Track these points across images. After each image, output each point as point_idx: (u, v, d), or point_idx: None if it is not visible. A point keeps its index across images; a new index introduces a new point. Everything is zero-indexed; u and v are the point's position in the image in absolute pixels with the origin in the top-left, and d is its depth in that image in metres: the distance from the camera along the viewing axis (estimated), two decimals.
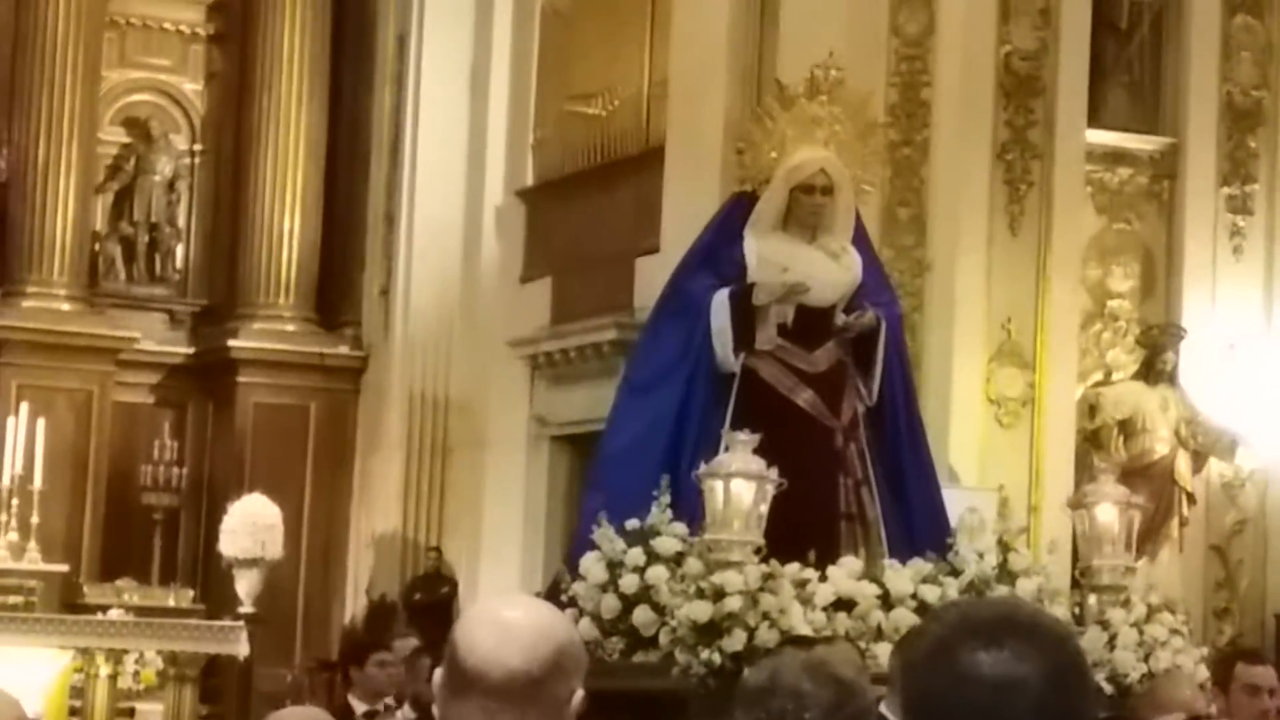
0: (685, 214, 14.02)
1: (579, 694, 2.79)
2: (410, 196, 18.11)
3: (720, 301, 8.97)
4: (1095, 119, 12.61)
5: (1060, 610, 8.73)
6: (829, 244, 9.14)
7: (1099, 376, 12.63)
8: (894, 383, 9.27)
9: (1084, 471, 12.32)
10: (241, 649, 13.98)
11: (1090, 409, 12.47)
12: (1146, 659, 8.83)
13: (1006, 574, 8.79)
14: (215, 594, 17.02)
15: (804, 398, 8.97)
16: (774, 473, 8.20)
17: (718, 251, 9.19)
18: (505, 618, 2.80)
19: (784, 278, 8.94)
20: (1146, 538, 12.02)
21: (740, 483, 8.20)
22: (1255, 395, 12.54)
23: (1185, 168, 12.77)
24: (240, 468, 18.10)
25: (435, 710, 2.82)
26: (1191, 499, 12.62)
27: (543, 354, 16.91)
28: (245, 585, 15.78)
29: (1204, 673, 8.00)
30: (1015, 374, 12.20)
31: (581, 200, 16.80)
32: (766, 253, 9.05)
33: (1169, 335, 12.45)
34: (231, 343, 18.45)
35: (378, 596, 17.76)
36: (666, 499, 8.40)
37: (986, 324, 12.17)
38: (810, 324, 9.04)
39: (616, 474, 8.99)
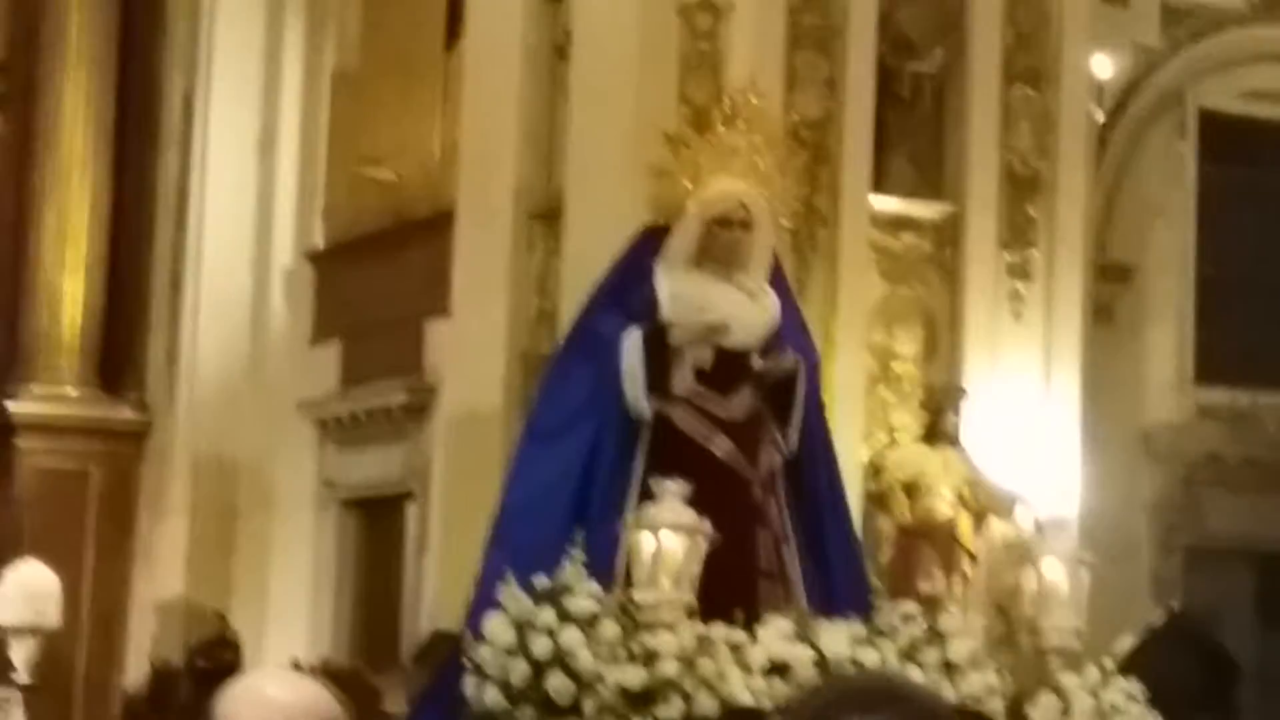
0: (475, 278, 14.07)
1: None
2: (197, 260, 17.90)
3: (633, 341, 8.32)
4: (880, 186, 12.84)
5: (989, 675, 8.21)
6: (746, 282, 8.60)
7: (884, 439, 12.82)
8: (813, 433, 8.75)
9: (870, 533, 12.51)
10: None
11: (875, 470, 12.64)
12: None
13: (937, 636, 8.37)
14: None
15: (721, 447, 8.38)
16: (706, 525, 7.67)
17: (627, 289, 8.56)
18: (267, 695, 2.77)
19: (704, 317, 8.36)
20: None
21: (671, 536, 7.62)
22: (1035, 455, 12.82)
23: (967, 234, 13.02)
24: (18, 534, 17.71)
25: None
26: (973, 558, 12.83)
27: (332, 417, 16.80)
28: (21, 654, 15.47)
29: None
30: None
31: (372, 263, 16.73)
32: (681, 290, 8.44)
33: (950, 396, 12.67)
34: (10, 406, 18.10)
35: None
36: (581, 555, 7.78)
37: None
38: (726, 368, 8.44)
39: (521, 527, 8.25)
